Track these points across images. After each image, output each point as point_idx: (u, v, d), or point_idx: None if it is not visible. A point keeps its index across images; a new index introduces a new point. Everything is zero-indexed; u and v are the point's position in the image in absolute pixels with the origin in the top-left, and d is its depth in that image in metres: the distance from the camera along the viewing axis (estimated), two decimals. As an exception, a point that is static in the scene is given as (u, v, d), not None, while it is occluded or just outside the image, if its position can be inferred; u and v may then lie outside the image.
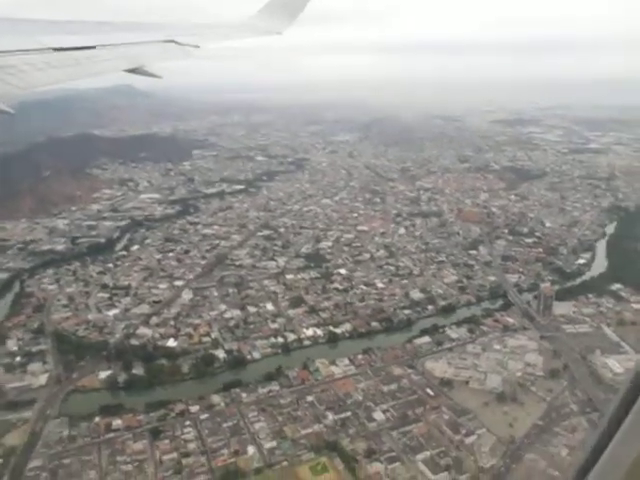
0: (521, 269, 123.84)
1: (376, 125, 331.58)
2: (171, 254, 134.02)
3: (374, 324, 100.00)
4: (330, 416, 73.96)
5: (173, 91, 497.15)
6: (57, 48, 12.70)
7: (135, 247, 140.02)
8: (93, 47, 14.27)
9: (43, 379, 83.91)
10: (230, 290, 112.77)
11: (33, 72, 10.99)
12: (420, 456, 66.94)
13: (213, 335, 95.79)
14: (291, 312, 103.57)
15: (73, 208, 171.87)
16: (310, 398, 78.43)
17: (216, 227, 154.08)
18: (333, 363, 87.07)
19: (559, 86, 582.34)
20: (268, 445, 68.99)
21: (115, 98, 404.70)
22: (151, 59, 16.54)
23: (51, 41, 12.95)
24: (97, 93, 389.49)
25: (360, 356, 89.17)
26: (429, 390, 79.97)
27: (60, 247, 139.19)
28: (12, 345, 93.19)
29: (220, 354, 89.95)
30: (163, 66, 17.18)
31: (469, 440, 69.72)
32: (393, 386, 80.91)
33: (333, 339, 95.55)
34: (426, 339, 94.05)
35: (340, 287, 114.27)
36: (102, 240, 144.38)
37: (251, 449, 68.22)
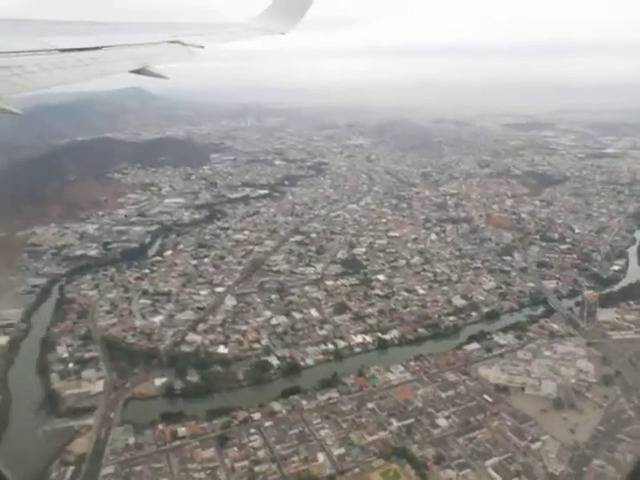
0: (557, 275, 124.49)
1: (389, 129, 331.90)
2: (206, 260, 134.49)
3: (421, 330, 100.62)
4: (394, 423, 74.42)
5: (181, 93, 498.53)
6: (63, 49, 12.73)
7: (168, 252, 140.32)
8: (99, 48, 14.26)
9: (99, 386, 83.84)
10: (272, 296, 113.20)
11: (40, 73, 11.02)
12: (489, 462, 67.41)
13: (263, 342, 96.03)
14: (337, 318, 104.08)
15: (100, 213, 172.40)
16: (370, 405, 78.86)
17: (247, 232, 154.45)
18: (388, 370, 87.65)
19: (567, 89, 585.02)
20: (337, 452, 69.28)
21: (126, 101, 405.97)
22: (157, 60, 16.58)
23: (57, 42, 12.97)
24: (108, 96, 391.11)
25: (412, 362, 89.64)
26: (487, 396, 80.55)
27: (93, 252, 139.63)
28: (62, 351, 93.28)
29: (273, 361, 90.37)
30: (170, 67, 17.22)
31: (535, 446, 70.20)
32: (451, 392, 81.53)
33: (383, 346, 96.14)
34: (475, 345, 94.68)
35: (381, 293, 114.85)
36: (134, 245, 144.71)
37: (321, 456, 68.51)
